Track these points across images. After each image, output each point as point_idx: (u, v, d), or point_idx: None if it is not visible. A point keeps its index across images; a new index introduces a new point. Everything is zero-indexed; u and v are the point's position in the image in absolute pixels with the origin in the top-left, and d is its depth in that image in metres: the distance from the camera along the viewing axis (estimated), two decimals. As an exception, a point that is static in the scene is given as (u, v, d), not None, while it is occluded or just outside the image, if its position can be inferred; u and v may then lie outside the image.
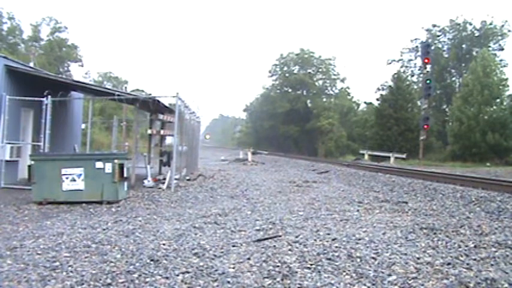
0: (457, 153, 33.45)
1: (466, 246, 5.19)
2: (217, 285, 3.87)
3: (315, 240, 5.53)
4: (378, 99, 44.75)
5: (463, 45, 45.90)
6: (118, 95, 12.31)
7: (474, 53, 42.48)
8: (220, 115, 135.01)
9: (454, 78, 47.71)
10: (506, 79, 34.90)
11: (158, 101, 12.97)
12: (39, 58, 35.54)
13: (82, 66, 47.18)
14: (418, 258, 4.63)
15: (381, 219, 7.04)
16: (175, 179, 12.32)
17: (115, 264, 4.48)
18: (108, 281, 3.96)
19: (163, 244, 5.35)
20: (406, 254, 4.80)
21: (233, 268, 4.35)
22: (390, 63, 51.81)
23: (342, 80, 59.11)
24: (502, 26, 44.31)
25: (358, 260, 4.60)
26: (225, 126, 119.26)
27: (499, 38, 44.41)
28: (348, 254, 4.80)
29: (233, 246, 5.25)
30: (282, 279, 4.00)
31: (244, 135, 76.48)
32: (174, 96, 12.59)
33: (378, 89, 49.71)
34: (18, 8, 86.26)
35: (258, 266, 4.42)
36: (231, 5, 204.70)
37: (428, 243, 5.37)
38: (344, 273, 4.17)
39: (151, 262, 4.54)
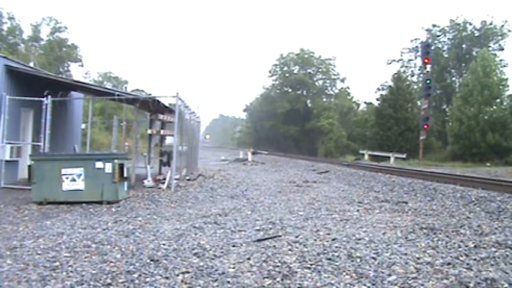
0: (457, 153, 33.43)
1: (466, 246, 5.19)
2: (217, 285, 3.87)
3: (315, 240, 5.53)
4: (377, 99, 44.80)
5: (463, 45, 45.88)
6: (118, 95, 12.31)
7: (474, 53, 42.46)
8: (220, 115, 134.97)
9: (454, 78, 47.70)
10: (506, 79, 34.90)
11: (158, 101, 12.97)
12: (39, 58, 35.60)
13: (82, 66, 47.32)
14: (418, 258, 4.64)
15: (381, 219, 7.04)
16: (175, 179, 12.32)
17: (115, 264, 4.48)
18: (108, 281, 3.97)
19: (163, 244, 5.35)
20: (406, 254, 4.80)
21: (233, 268, 4.36)
22: (390, 63, 51.85)
23: (342, 80, 59.19)
24: (502, 26, 44.35)
25: (358, 260, 4.60)
26: (225, 126, 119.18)
27: (499, 38, 44.42)
28: (348, 254, 4.80)
29: (233, 246, 5.25)
30: (282, 279, 4.00)
31: (244, 135, 76.43)
32: (174, 96, 12.59)
33: (378, 89, 49.79)
34: (18, 8, 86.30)
35: (258, 266, 4.43)
36: (231, 5, 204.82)
37: (428, 243, 5.37)
38: (344, 273, 4.17)
39: (151, 262, 4.54)
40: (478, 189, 10.64)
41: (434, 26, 47.84)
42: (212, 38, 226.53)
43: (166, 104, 14.47)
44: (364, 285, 3.86)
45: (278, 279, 4.00)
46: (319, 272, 4.23)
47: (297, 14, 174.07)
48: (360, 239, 5.54)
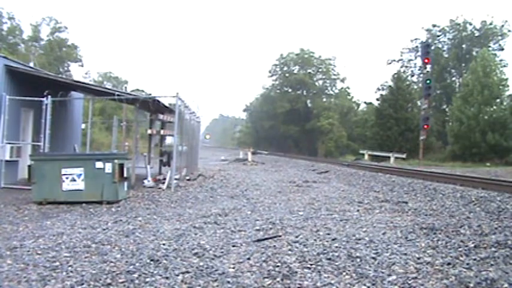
0: (457, 153, 33.45)
1: (466, 246, 5.18)
2: (217, 285, 3.87)
3: (315, 240, 5.53)
4: (377, 99, 44.83)
5: (463, 45, 45.92)
6: (118, 95, 12.31)
7: (474, 53, 42.51)
8: (220, 115, 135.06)
9: (454, 78, 47.75)
10: (506, 79, 34.94)
11: (158, 101, 12.97)
12: (39, 58, 35.55)
13: (82, 66, 47.38)
14: (418, 258, 4.63)
15: (380, 219, 7.04)
16: (175, 179, 12.31)
17: (115, 264, 4.48)
18: (108, 281, 3.96)
19: (163, 244, 5.35)
20: (406, 254, 4.80)
21: (233, 268, 4.35)
22: (390, 63, 51.95)
23: (342, 80, 59.22)
24: (502, 26, 44.44)
25: (358, 260, 4.60)
26: (225, 126, 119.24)
27: (499, 38, 44.47)
28: (348, 254, 4.80)
29: (233, 246, 5.25)
30: (282, 279, 4.00)
31: (244, 135, 76.43)
32: (174, 96, 12.59)
33: (378, 89, 49.86)
34: (18, 8, 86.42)
35: (258, 266, 4.42)
36: (231, 5, 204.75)
37: (428, 243, 5.37)
38: (344, 273, 4.17)
39: (151, 262, 4.54)
40: (478, 189, 10.64)
41: (434, 26, 47.98)
42: (212, 38, 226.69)
43: (166, 104, 14.48)
44: (364, 285, 3.86)
45: (278, 279, 4.00)
46: (319, 272, 4.23)
47: (297, 14, 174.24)
48: (360, 239, 5.54)
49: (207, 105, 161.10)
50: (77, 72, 64.31)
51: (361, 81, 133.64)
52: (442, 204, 8.73)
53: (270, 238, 5.64)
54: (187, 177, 14.33)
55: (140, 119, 16.60)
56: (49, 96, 11.45)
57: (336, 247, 5.13)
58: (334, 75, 58.93)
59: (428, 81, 28.37)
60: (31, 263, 4.55)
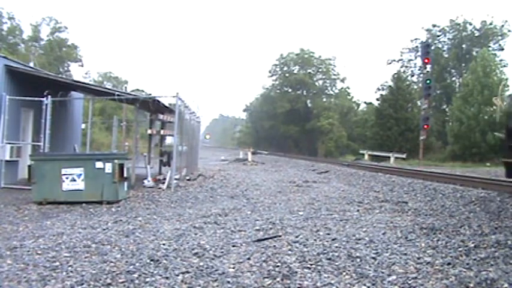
0: (457, 153, 33.44)
1: (466, 246, 5.18)
2: (217, 285, 3.87)
3: (315, 240, 5.53)
4: (377, 99, 44.81)
5: (463, 45, 45.87)
6: (118, 95, 12.31)
7: (474, 53, 42.47)
8: (220, 115, 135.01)
9: (454, 78, 47.70)
10: (506, 79, 34.94)
11: (158, 101, 12.97)
12: (39, 58, 35.54)
13: (82, 66, 47.37)
14: (418, 258, 4.63)
15: (380, 219, 7.04)
16: (175, 179, 12.32)
17: (115, 264, 4.48)
18: (108, 281, 3.96)
19: (163, 244, 5.35)
20: (406, 254, 4.80)
21: (233, 268, 4.36)
22: (390, 63, 51.84)
23: (342, 80, 59.11)
24: (502, 26, 44.38)
25: (358, 260, 4.60)
26: (225, 126, 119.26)
27: (499, 38, 44.42)
28: (348, 254, 4.81)
29: (233, 246, 5.25)
30: (282, 279, 4.00)
31: (244, 135, 76.40)
32: (174, 96, 12.60)
33: (378, 89, 49.77)
34: (18, 8, 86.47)
35: (258, 266, 4.43)
36: (231, 5, 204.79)
37: (428, 243, 5.37)
38: (344, 273, 4.17)
39: (151, 262, 4.54)
40: (478, 189, 10.63)
41: (434, 26, 47.90)
42: (212, 38, 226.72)
43: (166, 104, 14.48)
44: (364, 285, 3.86)
45: (278, 279, 4.00)
46: (319, 272, 4.23)
47: (297, 14, 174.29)
48: (360, 239, 5.54)
49: (207, 105, 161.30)
50: (77, 72, 64.29)
51: (361, 81, 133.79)
52: (442, 204, 8.73)
53: (270, 238, 5.64)
54: (187, 177, 14.33)
55: (140, 119, 16.61)
56: (49, 96, 11.45)
57: (336, 247, 5.13)
58: (334, 75, 58.88)
59: (428, 81, 28.37)
60: (31, 263, 4.55)
